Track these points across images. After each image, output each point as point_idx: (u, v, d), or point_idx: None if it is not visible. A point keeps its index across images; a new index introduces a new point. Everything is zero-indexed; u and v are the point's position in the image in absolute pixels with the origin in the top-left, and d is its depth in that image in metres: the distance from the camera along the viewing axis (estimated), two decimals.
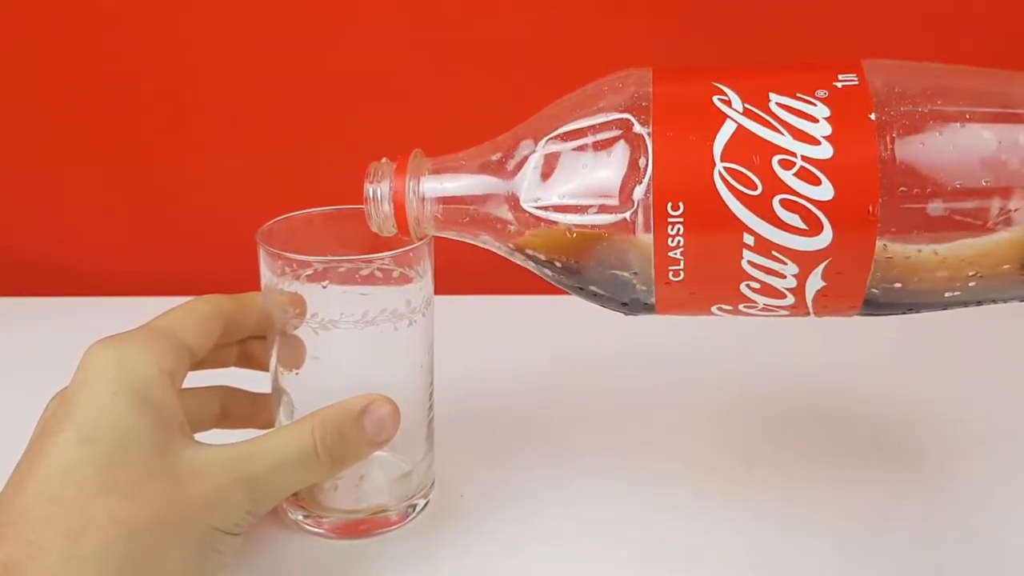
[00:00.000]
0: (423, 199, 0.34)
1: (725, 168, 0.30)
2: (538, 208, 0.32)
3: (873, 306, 0.31)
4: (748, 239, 0.30)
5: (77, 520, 0.28)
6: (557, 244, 0.32)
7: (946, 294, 0.31)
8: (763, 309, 0.32)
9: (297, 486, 0.33)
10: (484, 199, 0.33)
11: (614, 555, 0.38)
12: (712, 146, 0.30)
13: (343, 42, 0.61)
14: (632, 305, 0.33)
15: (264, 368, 0.38)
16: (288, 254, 0.35)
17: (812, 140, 0.29)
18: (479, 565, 0.37)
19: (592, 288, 0.33)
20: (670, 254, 0.30)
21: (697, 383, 0.52)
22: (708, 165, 0.30)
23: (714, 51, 0.61)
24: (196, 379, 0.36)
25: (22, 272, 0.67)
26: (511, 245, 0.34)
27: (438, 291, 0.38)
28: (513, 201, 0.33)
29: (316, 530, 0.39)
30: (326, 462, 0.33)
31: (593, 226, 0.31)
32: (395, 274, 0.37)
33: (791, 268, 0.30)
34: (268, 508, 0.33)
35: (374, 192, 0.34)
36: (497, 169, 0.33)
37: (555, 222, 0.32)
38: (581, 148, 0.32)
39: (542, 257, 0.33)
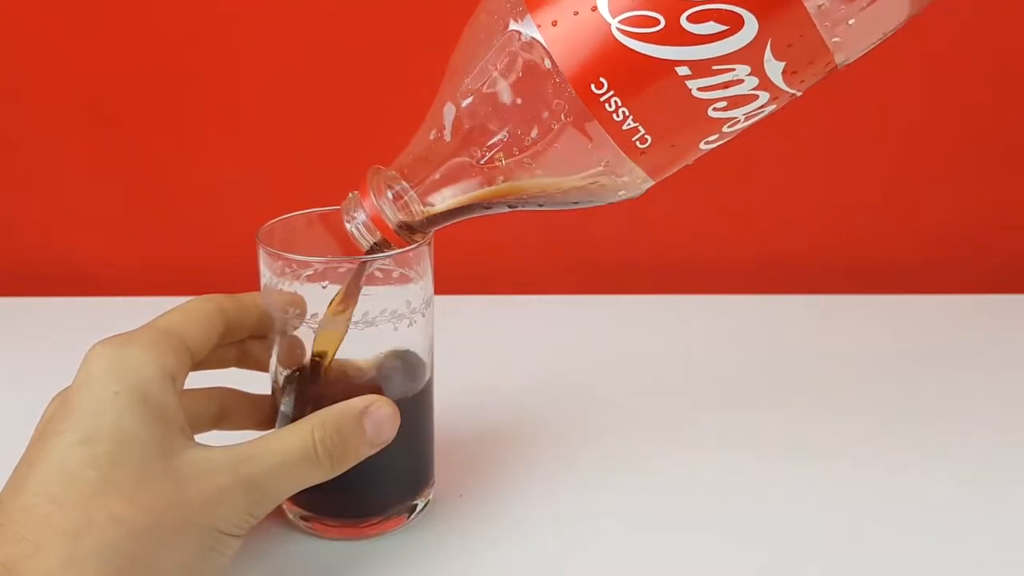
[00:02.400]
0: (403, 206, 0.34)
1: (620, 22, 0.29)
2: (492, 160, 0.32)
3: (847, 49, 0.30)
4: (683, 71, 0.29)
5: (77, 521, 0.28)
6: (528, 182, 0.32)
7: None
8: (747, 117, 0.31)
9: (297, 487, 0.33)
10: (449, 177, 0.33)
11: (615, 554, 0.38)
12: (598, 10, 0.29)
13: (343, 42, 0.61)
14: (629, 189, 0.33)
15: (264, 368, 0.38)
16: (288, 254, 0.35)
17: None
18: (479, 565, 0.37)
19: (586, 197, 0.33)
20: (624, 128, 0.30)
21: (697, 382, 0.52)
22: (604, 28, 0.29)
23: None
24: (195, 379, 0.36)
25: (22, 272, 0.67)
26: (497, 201, 0.34)
27: (438, 291, 0.38)
28: (470, 164, 0.33)
29: (316, 530, 0.39)
30: (326, 463, 0.33)
31: (542, 146, 0.31)
32: (395, 274, 0.37)
33: (742, 70, 0.29)
34: (269, 509, 0.33)
35: (355, 229, 0.34)
36: (441, 144, 0.33)
37: (514, 164, 0.32)
38: (492, 84, 0.31)
39: (529, 198, 0.33)
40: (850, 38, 0.30)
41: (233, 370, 0.39)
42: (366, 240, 0.35)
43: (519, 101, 0.31)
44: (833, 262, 0.68)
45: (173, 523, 0.30)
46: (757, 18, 0.28)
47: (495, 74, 0.31)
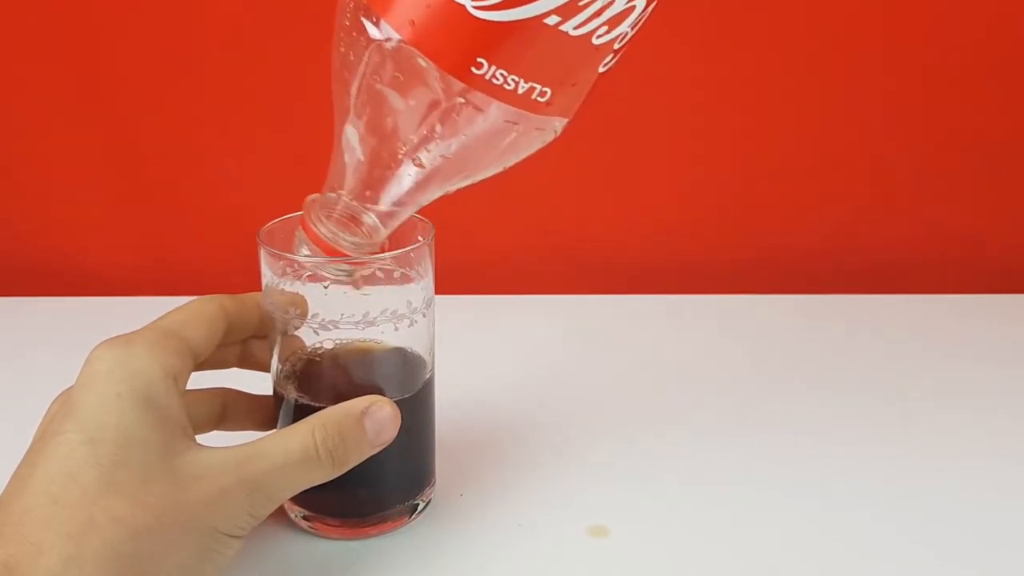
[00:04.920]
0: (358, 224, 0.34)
1: (472, 0, 0.29)
2: (412, 160, 0.32)
3: None
4: (553, 20, 0.29)
5: (78, 521, 0.28)
6: (455, 166, 0.33)
7: None
8: (633, 27, 0.31)
9: (299, 488, 0.33)
10: (378, 186, 0.34)
11: (614, 554, 0.38)
12: None
13: None
14: (549, 134, 0.33)
15: (265, 368, 0.38)
16: (289, 255, 0.35)
17: None
18: (479, 565, 0.37)
19: (512, 157, 0.33)
20: (520, 92, 0.30)
21: (697, 382, 0.52)
22: (460, 12, 0.29)
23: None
24: (196, 380, 0.36)
25: (22, 272, 0.67)
26: (441, 194, 0.34)
27: (438, 291, 0.38)
28: (393, 170, 0.33)
29: (318, 530, 0.39)
30: (327, 464, 0.33)
31: (452, 136, 0.31)
32: (396, 274, 0.37)
33: None
34: (270, 510, 0.32)
35: (328, 270, 0.35)
36: (358, 162, 0.33)
37: (432, 157, 0.32)
38: (380, 96, 0.31)
39: (462, 179, 0.34)
40: None
41: (234, 370, 0.39)
42: (336, 275, 0.35)
43: (411, 103, 0.31)
44: (832, 262, 0.68)
45: (174, 524, 0.30)
46: None
47: (378, 86, 0.31)
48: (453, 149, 0.32)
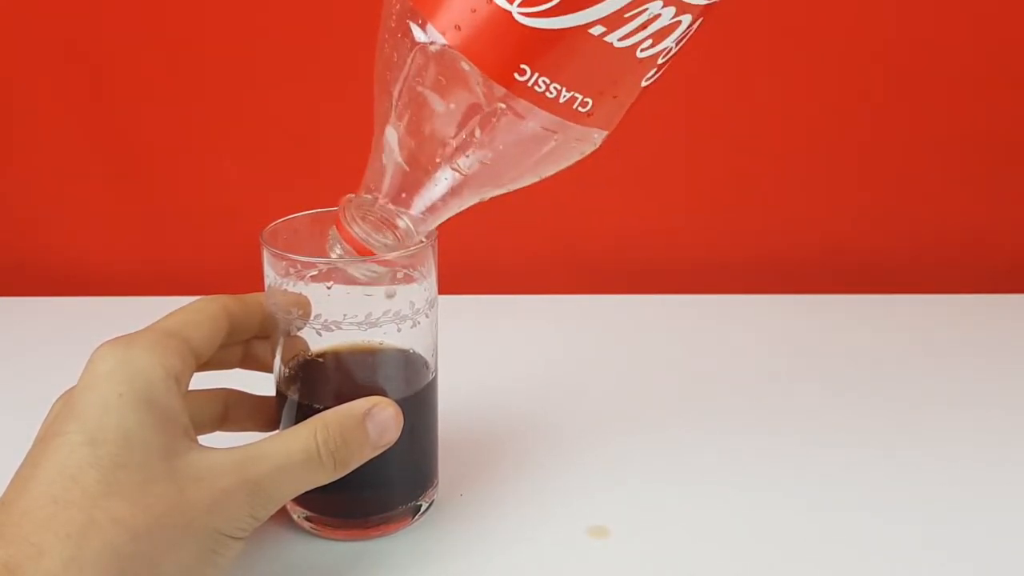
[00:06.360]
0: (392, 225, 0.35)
1: (519, 6, 0.29)
2: (450, 165, 0.32)
3: None
4: (597, 30, 0.29)
5: (79, 522, 0.28)
6: (491, 174, 0.33)
7: None
8: (678, 42, 0.31)
9: (300, 489, 0.33)
10: (414, 189, 0.34)
11: (614, 554, 0.38)
12: (494, 1, 0.29)
13: (345, 40, 0.61)
14: (588, 146, 0.33)
15: (267, 369, 0.38)
16: (292, 255, 0.35)
17: None
18: (479, 565, 0.37)
19: (551, 167, 0.34)
20: (561, 101, 0.30)
21: (697, 382, 0.52)
22: (506, 17, 0.29)
23: None
24: (198, 380, 0.36)
25: (22, 272, 0.67)
26: (476, 202, 0.34)
27: (440, 291, 0.38)
28: (431, 174, 0.33)
29: (320, 531, 0.39)
30: (329, 465, 0.33)
31: (491, 141, 0.31)
32: (399, 275, 0.37)
33: (655, 5, 0.29)
34: (271, 511, 0.32)
35: (359, 270, 0.35)
36: (396, 165, 0.33)
37: (470, 163, 0.32)
38: (421, 99, 0.32)
39: (497, 187, 0.34)
40: None
41: (237, 371, 0.39)
42: (369, 276, 0.35)
43: (452, 107, 0.31)
44: (833, 262, 0.68)
45: (175, 525, 0.30)
46: None
47: (420, 89, 0.31)
48: (491, 155, 0.32)
